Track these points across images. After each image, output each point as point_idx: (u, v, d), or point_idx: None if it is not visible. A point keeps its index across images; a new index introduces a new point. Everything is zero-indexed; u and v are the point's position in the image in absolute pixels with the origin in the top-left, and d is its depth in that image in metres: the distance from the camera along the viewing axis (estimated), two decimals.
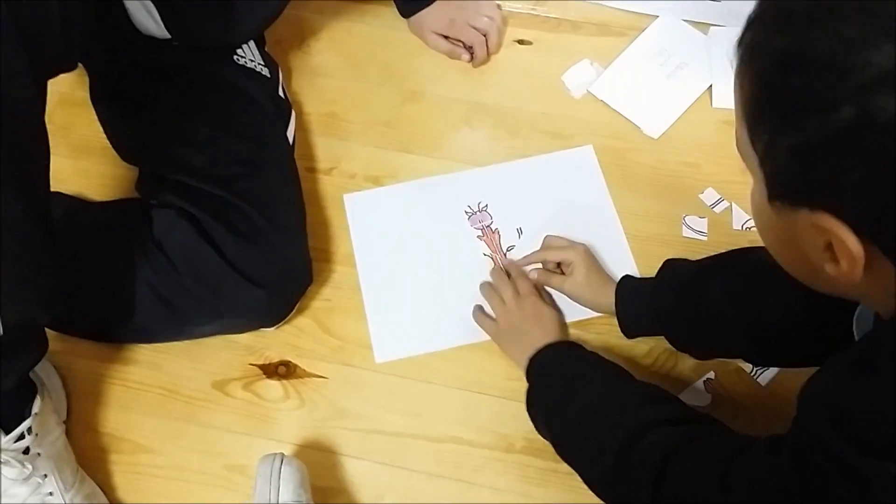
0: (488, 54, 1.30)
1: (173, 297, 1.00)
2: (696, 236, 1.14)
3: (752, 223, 1.13)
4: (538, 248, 1.12)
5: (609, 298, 1.01)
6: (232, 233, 0.99)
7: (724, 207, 1.16)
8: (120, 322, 1.02)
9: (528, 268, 1.10)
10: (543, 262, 1.09)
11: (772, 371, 1.04)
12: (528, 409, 0.95)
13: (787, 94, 0.49)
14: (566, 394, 0.89)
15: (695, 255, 1.10)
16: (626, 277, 1.02)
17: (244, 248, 0.99)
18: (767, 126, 0.52)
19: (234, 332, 1.06)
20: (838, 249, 0.50)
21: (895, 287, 0.52)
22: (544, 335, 0.99)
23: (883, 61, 0.44)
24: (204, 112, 1.08)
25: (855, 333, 0.70)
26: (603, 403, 0.85)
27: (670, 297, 0.95)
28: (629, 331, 1.01)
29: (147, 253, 1.00)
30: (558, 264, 1.08)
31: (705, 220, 1.15)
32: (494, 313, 1.06)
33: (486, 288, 1.09)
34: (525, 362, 0.97)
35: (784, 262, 0.61)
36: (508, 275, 1.09)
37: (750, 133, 0.54)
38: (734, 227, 1.14)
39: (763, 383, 1.03)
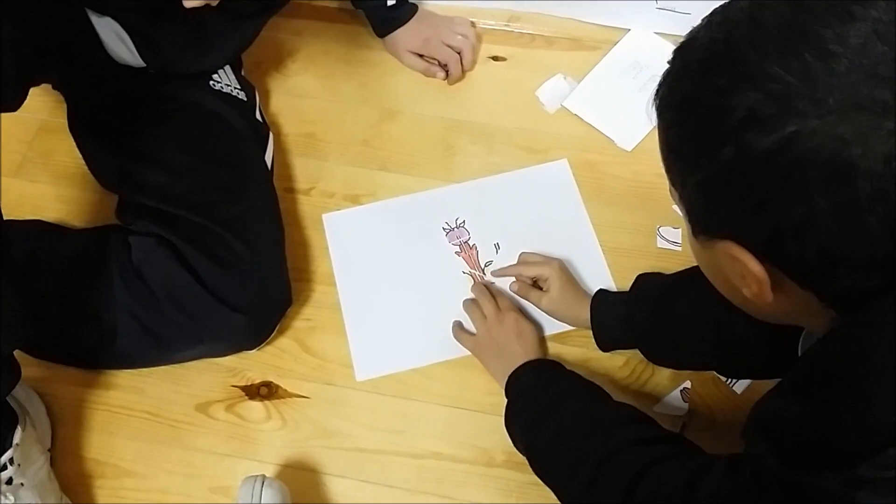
0: (463, 72, 1.32)
1: (153, 324, 1.01)
2: (671, 247, 1.15)
3: None
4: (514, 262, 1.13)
5: (584, 313, 1.03)
6: (210, 259, 1.00)
7: None
8: (101, 349, 1.03)
9: (506, 281, 1.12)
10: (518, 277, 1.10)
11: (747, 380, 1.05)
12: (507, 426, 0.96)
13: (685, 139, 0.55)
14: (544, 414, 0.90)
15: (670, 265, 1.12)
16: (601, 292, 1.04)
17: (223, 273, 1.00)
18: (678, 169, 0.57)
19: (216, 356, 1.07)
20: (745, 273, 0.55)
21: (808, 305, 0.55)
22: (524, 352, 1.01)
23: (747, 105, 0.49)
24: (181, 139, 1.09)
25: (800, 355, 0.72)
26: (579, 425, 0.86)
27: (643, 312, 0.97)
28: (604, 344, 1.03)
29: (126, 280, 1.01)
30: (534, 281, 1.09)
31: (679, 230, 1.16)
32: (475, 328, 1.07)
33: (468, 303, 1.10)
34: (504, 378, 0.98)
35: (722, 291, 0.65)
36: (491, 292, 1.10)
37: (669, 177, 0.59)
38: None
39: (739, 391, 1.05)
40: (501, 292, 1.10)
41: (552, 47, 1.36)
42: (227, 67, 1.21)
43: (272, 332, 1.07)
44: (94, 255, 1.04)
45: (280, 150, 1.25)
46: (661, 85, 0.57)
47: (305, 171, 1.24)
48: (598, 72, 1.31)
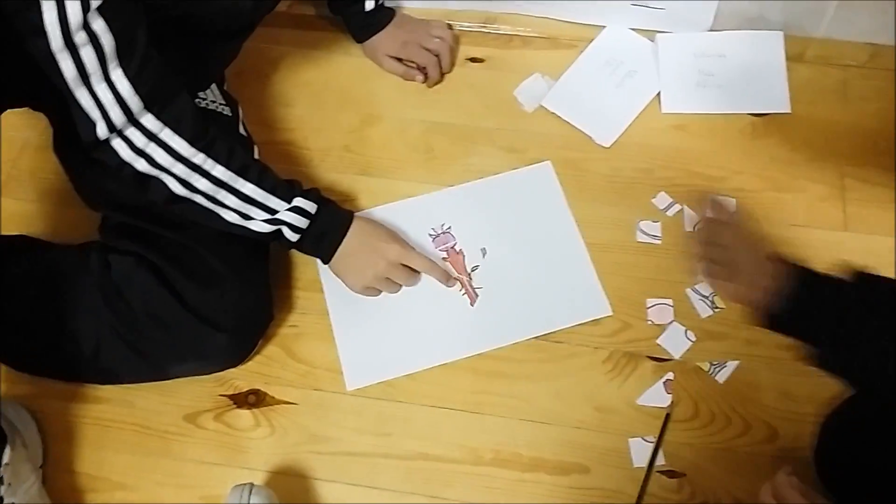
0: (442, 74, 1.32)
1: (136, 342, 1.02)
2: (651, 240, 1.16)
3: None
4: (509, 267, 1.14)
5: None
6: (190, 278, 1.01)
7: (677, 210, 1.18)
8: (87, 365, 1.04)
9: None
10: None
11: (729, 368, 1.06)
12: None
13: None
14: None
15: (649, 259, 1.14)
16: (799, 269, 0.85)
17: (203, 292, 1.01)
18: None
19: (200, 373, 1.08)
20: None
21: None
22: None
23: None
24: None
25: None
26: None
27: (868, 319, 0.80)
28: (780, 321, 0.85)
29: (108, 298, 1.02)
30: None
31: (658, 223, 1.17)
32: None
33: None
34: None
35: None
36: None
37: None
38: (687, 229, 1.16)
39: (721, 381, 1.06)
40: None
41: (529, 47, 1.36)
42: (213, 85, 1.21)
43: (254, 348, 1.08)
44: (75, 272, 1.05)
45: (262, 159, 1.25)
46: None
47: (287, 178, 1.24)
48: (574, 70, 1.32)
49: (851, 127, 1.26)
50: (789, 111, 1.26)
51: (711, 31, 1.32)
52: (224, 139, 0.98)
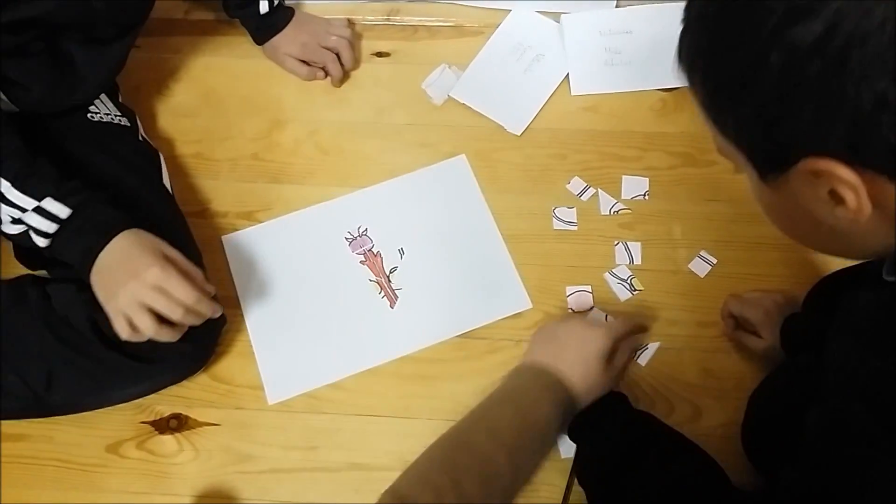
0: (345, 72, 1.30)
1: (94, 370, 1.00)
2: (567, 227, 1.15)
3: (619, 206, 1.16)
4: (428, 266, 1.13)
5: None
6: None
7: (591, 194, 1.17)
8: (39, 400, 1.00)
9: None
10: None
11: (650, 350, 1.06)
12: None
13: (726, 68, 0.52)
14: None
15: (567, 246, 1.13)
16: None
17: None
18: (727, 108, 0.55)
19: (161, 388, 1.06)
20: (836, 185, 0.51)
21: None
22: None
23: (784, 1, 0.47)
24: (82, 177, 1.03)
25: None
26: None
27: None
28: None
29: (55, 329, 0.99)
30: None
31: (574, 209, 1.16)
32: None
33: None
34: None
35: (807, 240, 0.62)
36: None
37: (718, 126, 0.57)
38: (602, 213, 1.16)
39: (643, 363, 1.06)
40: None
41: (436, 37, 1.34)
42: (104, 96, 1.18)
43: (214, 351, 1.07)
44: (10, 307, 1.00)
45: (169, 173, 1.22)
46: (684, 32, 0.55)
47: (196, 192, 1.22)
48: (481, 58, 1.30)
49: None
50: None
51: (617, 7, 1.31)
52: None
